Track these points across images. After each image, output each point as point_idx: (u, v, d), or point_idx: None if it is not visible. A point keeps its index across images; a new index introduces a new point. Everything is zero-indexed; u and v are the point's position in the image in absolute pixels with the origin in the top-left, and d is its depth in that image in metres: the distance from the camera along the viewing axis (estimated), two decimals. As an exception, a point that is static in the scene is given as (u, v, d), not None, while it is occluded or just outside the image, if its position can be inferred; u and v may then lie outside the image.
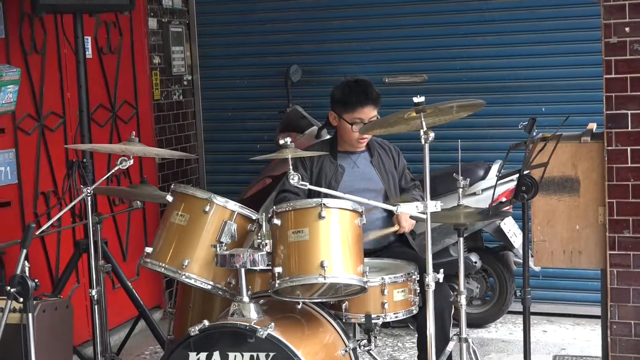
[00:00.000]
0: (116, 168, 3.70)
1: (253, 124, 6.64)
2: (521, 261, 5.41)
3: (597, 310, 4.84)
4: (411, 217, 4.25)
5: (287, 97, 6.25)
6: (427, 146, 3.45)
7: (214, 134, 6.78)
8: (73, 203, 3.80)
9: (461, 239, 3.90)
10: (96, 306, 3.99)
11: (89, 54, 5.33)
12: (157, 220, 6.04)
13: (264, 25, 6.55)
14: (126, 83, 5.87)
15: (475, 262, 5.54)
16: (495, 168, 5.59)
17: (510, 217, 5.43)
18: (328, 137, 5.71)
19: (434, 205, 3.49)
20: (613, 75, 4.04)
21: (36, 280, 3.09)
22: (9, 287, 3.04)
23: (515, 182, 3.90)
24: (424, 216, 3.49)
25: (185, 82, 6.63)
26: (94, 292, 3.98)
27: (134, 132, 3.94)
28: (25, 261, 3.08)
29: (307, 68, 6.35)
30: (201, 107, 6.76)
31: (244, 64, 6.63)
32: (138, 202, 4.42)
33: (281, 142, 6.06)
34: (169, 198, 3.76)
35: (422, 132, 3.44)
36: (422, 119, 3.45)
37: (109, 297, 4.67)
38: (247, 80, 6.63)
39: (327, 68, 6.38)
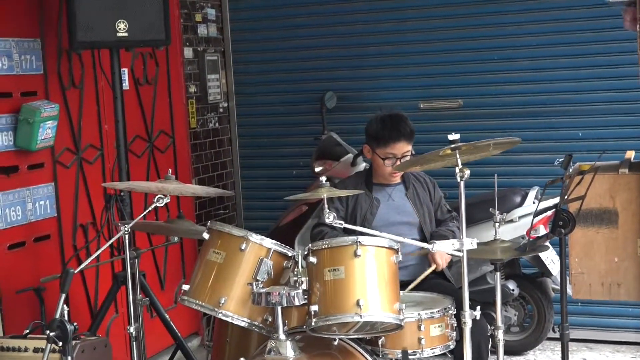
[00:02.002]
0: (153, 206, 3.72)
1: (289, 150, 6.67)
2: (559, 287, 5.37)
3: (637, 337, 4.81)
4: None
5: (322, 124, 6.27)
6: (462, 184, 3.45)
7: (250, 160, 6.82)
8: (111, 241, 3.83)
9: (498, 273, 3.89)
10: (134, 342, 4.01)
11: (125, 85, 5.39)
12: (194, 249, 6.08)
13: (298, 52, 6.58)
14: (163, 113, 5.92)
15: (513, 290, 5.48)
16: (532, 194, 5.55)
17: (547, 244, 5.39)
18: (363, 164, 5.73)
19: (470, 243, 3.49)
20: (650, 105, 4.01)
21: (75, 324, 3.12)
22: (48, 332, 3.08)
23: (552, 209, 3.88)
24: (460, 254, 3.49)
25: (221, 110, 6.68)
26: (132, 329, 4.00)
27: (170, 170, 3.97)
28: (65, 305, 3.12)
29: (342, 94, 6.36)
30: (237, 134, 6.81)
31: (279, 90, 6.67)
32: (175, 237, 4.46)
33: (317, 169, 6.10)
34: (206, 235, 3.78)
35: (457, 170, 3.44)
36: (458, 157, 3.46)
37: (147, 325, 4.70)
38: (283, 107, 6.67)
39: (362, 94, 6.39)
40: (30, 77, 4.75)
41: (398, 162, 4.36)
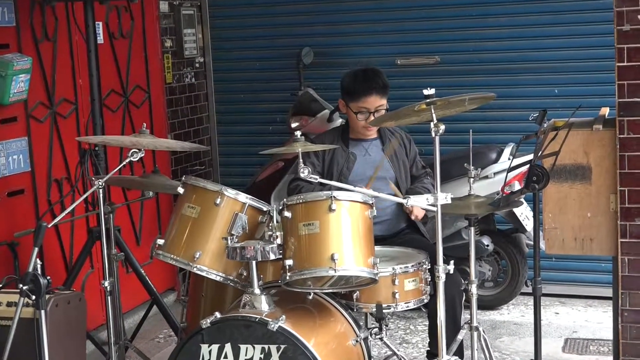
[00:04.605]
0: (127, 160, 3.71)
1: (265, 106, 6.63)
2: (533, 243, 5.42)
3: (608, 292, 4.85)
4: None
5: (299, 80, 6.24)
6: (437, 139, 3.44)
7: (226, 116, 6.78)
8: (85, 195, 3.82)
9: (472, 228, 3.91)
10: (109, 297, 4.01)
11: (100, 39, 5.33)
12: (170, 204, 6.07)
13: (275, 7, 6.52)
14: (138, 67, 5.87)
15: (488, 245, 5.54)
16: (507, 151, 5.58)
17: (522, 201, 5.42)
18: (340, 120, 5.72)
19: (444, 197, 3.50)
20: (625, 63, 4.01)
21: (48, 278, 3.11)
22: (21, 285, 3.07)
23: (526, 165, 3.89)
24: (434, 208, 3.50)
25: (197, 65, 6.63)
26: (106, 283, 4.00)
27: (144, 124, 3.95)
28: (37, 259, 3.11)
29: (319, 50, 6.32)
30: (213, 89, 6.76)
31: (256, 46, 6.61)
32: (150, 191, 4.44)
33: (293, 125, 6.08)
34: (180, 190, 3.76)
35: (432, 125, 3.43)
36: (433, 112, 3.45)
37: (123, 281, 4.71)
38: (259, 63, 6.62)
39: (339, 50, 6.35)
40: (1, 30, 4.68)
41: (371, 117, 4.35)
